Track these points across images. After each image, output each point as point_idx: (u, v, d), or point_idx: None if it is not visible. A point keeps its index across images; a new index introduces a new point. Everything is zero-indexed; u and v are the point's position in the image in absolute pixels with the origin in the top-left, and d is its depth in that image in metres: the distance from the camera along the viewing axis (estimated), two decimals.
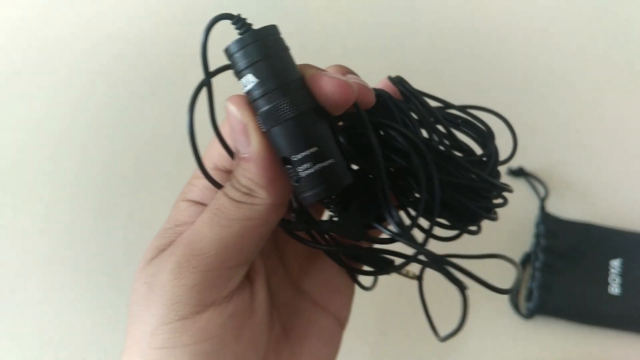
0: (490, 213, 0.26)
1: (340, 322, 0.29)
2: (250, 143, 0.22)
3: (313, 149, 0.22)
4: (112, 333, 0.44)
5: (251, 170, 0.22)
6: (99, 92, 0.55)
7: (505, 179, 0.43)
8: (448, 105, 0.28)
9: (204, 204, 0.25)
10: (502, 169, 0.28)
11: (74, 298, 0.46)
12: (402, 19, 0.61)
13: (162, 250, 0.24)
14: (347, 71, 0.25)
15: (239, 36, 0.22)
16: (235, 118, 0.22)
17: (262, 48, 0.21)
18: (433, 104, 0.28)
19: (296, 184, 0.22)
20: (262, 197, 0.23)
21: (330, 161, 0.22)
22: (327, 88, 0.22)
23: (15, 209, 0.49)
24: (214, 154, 0.26)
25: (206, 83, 0.23)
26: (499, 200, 0.27)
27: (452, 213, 0.26)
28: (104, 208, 0.49)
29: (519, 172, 0.50)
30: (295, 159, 0.22)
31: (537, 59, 0.58)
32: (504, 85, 0.57)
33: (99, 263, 0.47)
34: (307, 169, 0.22)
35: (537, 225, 0.48)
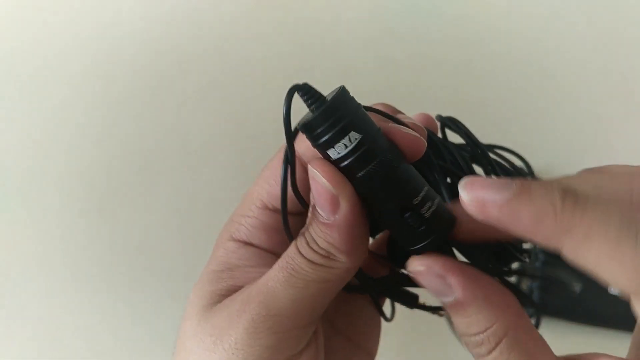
0: (522, 256, 0.27)
1: (371, 358, 0.29)
2: (338, 212, 0.21)
3: (426, 187, 0.21)
4: (112, 334, 0.44)
5: (334, 236, 0.22)
6: (99, 91, 0.55)
7: None
8: (476, 144, 0.28)
9: (253, 245, 0.25)
10: None
11: (73, 299, 0.46)
12: (400, 20, 0.61)
13: (221, 295, 0.24)
14: (396, 111, 0.25)
15: (315, 109, 0.21)
16: (323, 187, 0.21)
17: (345, 116, 0.20)
18: (458, 140, 0.27)
19: (419, 228, 0.21)
20: (343, 261, 0.22)
21: (438, 197, 0.22)
22: (402, 142, 0.22)
23: (16, 209, 0.49)
24: (262, 193, 0.25)
25: (292, 163, 0.22)
26: (528, 244, 0.27)
27: (495, 256, 0.26)
28: (106, 209, 0.49)
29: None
30: (416, 202, 0.21)
31: (537, 59, 0.58)
32: (504, 85, 0.57)
33: (100, 264, 0.47)
34: (430, 207, 0.21)
35: None
